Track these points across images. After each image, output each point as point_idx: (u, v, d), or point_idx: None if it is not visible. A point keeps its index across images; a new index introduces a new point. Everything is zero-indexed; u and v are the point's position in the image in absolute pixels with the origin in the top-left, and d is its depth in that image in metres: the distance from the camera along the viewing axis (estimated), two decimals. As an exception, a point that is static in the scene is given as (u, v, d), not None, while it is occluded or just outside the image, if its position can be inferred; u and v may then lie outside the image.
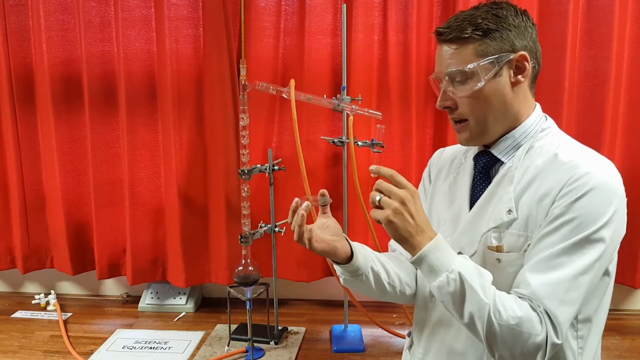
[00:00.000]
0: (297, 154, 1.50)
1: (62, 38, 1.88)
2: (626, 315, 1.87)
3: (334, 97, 1.61)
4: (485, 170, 1.03)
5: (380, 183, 0.91)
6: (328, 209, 1.06)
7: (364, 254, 1.05)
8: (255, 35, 1.80)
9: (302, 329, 1.80)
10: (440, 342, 1.05)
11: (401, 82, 1.77)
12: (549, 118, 1.03)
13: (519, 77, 0.96)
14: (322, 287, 1.98)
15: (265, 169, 1.64)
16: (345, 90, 1.63)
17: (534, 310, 0.86)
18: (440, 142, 1.80)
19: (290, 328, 1.80)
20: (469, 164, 1.07)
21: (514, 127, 0.99)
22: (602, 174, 0.88)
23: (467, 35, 0.93)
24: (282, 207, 1.80)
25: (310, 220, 0.99)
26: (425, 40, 1.75)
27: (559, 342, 0.86)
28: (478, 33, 0.93)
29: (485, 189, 1.01)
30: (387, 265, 1.10)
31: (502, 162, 1.00)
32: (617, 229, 0.88)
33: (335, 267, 1.06)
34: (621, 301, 1.90)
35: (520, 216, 0.93)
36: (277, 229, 1.69)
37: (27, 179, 2.00)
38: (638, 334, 1.74)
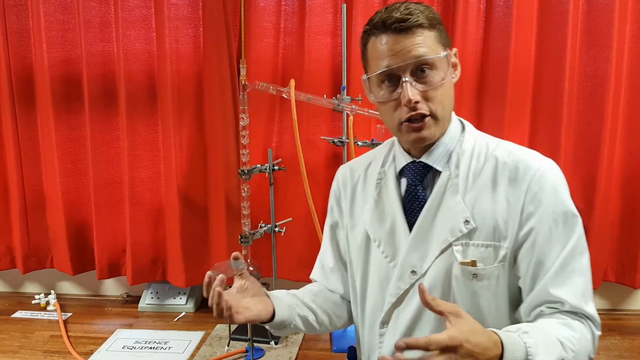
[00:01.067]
0: (297, 154, 1.50)
1: (62, 38, 1.88)
2: (626, 315, 1.87)
3: (334, 97, 1.61)
4: (419, 182, 0.98)
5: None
6: (244, 271, 1.01)
7: (287, 303, 1.03)
8: (255, 35, 1.80)
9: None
10: None
11: (401, 82, 1.77)
12: (463, 120, 1.02)
13: (456, 72, 0.95)
14: (322, 287, 1.98)
15: (265, 169, 1.64)
16: (345, 90, 1.63)
17: (577, 320, 0.90)
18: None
19: (290, 328, 1.80)
20: (391, 176, 1.02)
21: (444, 131, 0.96)
22: (548, 165, 0.92)
23: (430, 24, 0.89)
24: (282, 207, 1.81)
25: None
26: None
27: (599, 333, 0.92)
28: (435, 22, 0.91)
29: (423, 202, 0.97)
30: (313, 306, 1.08)
31: (437, 172, 0.96)
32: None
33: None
34: (621, 301, 1.90)
35: (482, 226, 0.91)
36: (277, 229, 1.69)
37: (27, 179, 2.00)
38: (638, 334, 1.74)
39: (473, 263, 0.91)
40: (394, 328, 1.00)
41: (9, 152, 1.98)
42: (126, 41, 1.82)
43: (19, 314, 1.95)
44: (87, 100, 1.88)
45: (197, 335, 1.76)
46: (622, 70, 1.70)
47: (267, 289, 1.65)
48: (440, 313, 0.78)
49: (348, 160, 1.68)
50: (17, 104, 1.95)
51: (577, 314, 0.90)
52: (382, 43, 0.90)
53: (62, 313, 1.94)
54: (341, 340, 1.70)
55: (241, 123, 1.58)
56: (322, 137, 1.75)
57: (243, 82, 1.57)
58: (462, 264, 0.92)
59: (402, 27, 0.88)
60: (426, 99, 0.90)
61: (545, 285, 0.90)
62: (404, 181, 1.01)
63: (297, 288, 1.97)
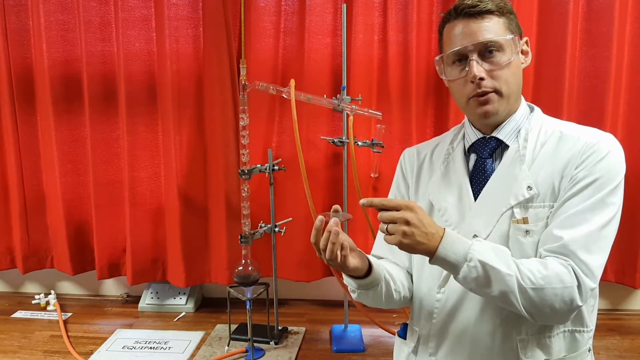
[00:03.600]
0: (297, 154, 1.50)
1: (62, 38, 1.88)
2: (626, 315, 1.87)
3: (334, 97, 1.61)
4: (489, 155, 1.05)
5: (381, 215, 0.91)
6: (339, 224, 1.05)
7: (377, 264, 1.06)
8: (255, 35, 1.80)
9: (302, 329, 1.80)
10: (456, 339, 1.05)
11: (401, 82, 1.77)
12: (533, 105, 1.09)
13: (526, 59, 1.05)
14: (322, 287, 1.98)
15: (265, 169, 1.64)
16: (345, 90, 1.63)
17: (561, 264, 0.90)
18: (440, 142, 1.80)
19: (290, 328, 1.80)
20: (459, 152, 1.10)
21: (514, 110, 1.04)
22: (612, 141, 0.98)
23: (499, 11, 0.99)
24: (282, 207, 1.81)
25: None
26: (425, 40, 1.75)
27: (593, 285, 0.91)
28: (505, 10, 1.00)
29: (490, 173, 1.04)
30: (392, 272, 1.11)
31: (506, 146, 1.04)
32: (623, 188, 0.97)
33: (349, 282, 1.05)
34: (621, 301, 1.90)
35: (542, 191, 0.97)
36: (277, 229, 1.69)
37: (27, 179, 2.00)
38: (638, 334, 1.74)
39: (525, 220, 0.97)
40: (451, 290, 1.04)
41: (9, 152, 1.98)
42: (126, 41, 1.82)
43: (19, 314, 1.95)
44: (87, 100, 1.88)
45: (197, 335, 1.76)
46: (622, 70, 1.70)
47: (267, 289, 1.67)
48: (396, 208, 0.90)
49: (348, 160, 1.68)
50: (17, 104, 1.95)
51: (568, 258, 0.91)
52: (455, 27, 1.01)
53: (62, 313, 1.94)
54: (341, 340, 1.71)
55: (241, 123, 1.58)
56: (322, 137, 1.75)
57: (243, 82, 1.57)
58: (516, 221, 0.98)
59: (471, 12, 0.99)
60: (492, 77, 0.99)
61: (552, 227, 0.94)
62: (472, 156, 1.09)
63: (297, 288, 1.99)
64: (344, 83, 1.65)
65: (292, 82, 1.54)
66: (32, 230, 2.04)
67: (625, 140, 1.74)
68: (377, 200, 0.92)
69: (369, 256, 1.07)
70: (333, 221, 0.94)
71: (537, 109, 1.08)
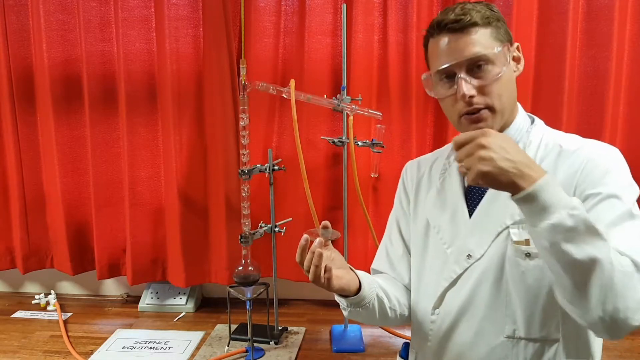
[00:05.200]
0: (297, 154, 1.50)
1: (62, 38, 1.88)
2: (626, 315, 1.87)
3: (334, 97, 1.62)
4: None
5: (457, 155, 0.83)
6: (330, 241, 1.01)
7: (369, 282, 1.04)
8: (255, 35, 1.80)
9: (302, 329, 1.80)
10: None
11: (401, 82, 1.77)
12: (534, 116, 1.04)
13: (518, 66, 0.99)
14: (322, 287, 1.98)
15: (265, 169, 1.64)
16: (345, 90, 1.63)
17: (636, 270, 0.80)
18: (440, 141, 1.80)
19: (290, 328, 1.80)
20: (455, 168, 1.06)
21: (510, 122, 0.99)
22: (607, 151, 0.93)
23: (484, 22, 0.93)
24: (282, 207, 1.81)
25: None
26: (425, 40, 1.75)
27: None
28: (491, 19, 0.95)
29: (485, 190, 1.00)
30: (387, 289, 1.08)
31: None
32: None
33: (340, 300, 1.03)
34: (621, 301, 1.90)
35: None
36: (277, 229, 1.69)
37: (27, 179, 2.00)
38: (638, 333, 1.74)
39: (527, 242, 0.92)
40: (445, 312, 1.02)
41: (9, 152, 1.98)
42: (126, 41, 1.82)
43: (19, 314, 1.95)
44: (87, 100, 1.88)
45: (197, 335, 1.76)
46: (622, 70, 1.70)
47: (267, 289, 1.67)
48: (467, 140, 0.81)
49: (348, 160, 1.68)
50: (17, 104, 1.95)
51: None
52: (439, 43, 0.96)
53: (62, 313, 1.94)
54: (341, 340, 1.70)
55: (241, 123, 1.58)
56: (322, 137, 1.75)
57: (243, 82, 1.57)
58: (516, 242, 0.93)
59: (455, 27, 0.93)
60: (483, 93, 0.94)
61: None
62: None
63: (297, 288, 1.99)
64: (344, 83, 1.65)
65: (292, 82, 1.54)
66: (32, 230, 2.04)
67: (625, 140, 1.74)
68: (455, 140, 0.82)
69: (360, 273, 1.03)
70: (317, 242, 0.91)
71: (538, 121, 1.03)
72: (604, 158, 0.91)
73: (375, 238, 1.69)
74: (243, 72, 1.58)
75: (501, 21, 0.97)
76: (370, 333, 1.76)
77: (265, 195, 1.70)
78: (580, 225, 0.76)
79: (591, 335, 0.95)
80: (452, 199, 1.04)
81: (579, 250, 0.76)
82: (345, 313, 1.05)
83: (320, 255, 0.91)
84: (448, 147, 1.14)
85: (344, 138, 1.67)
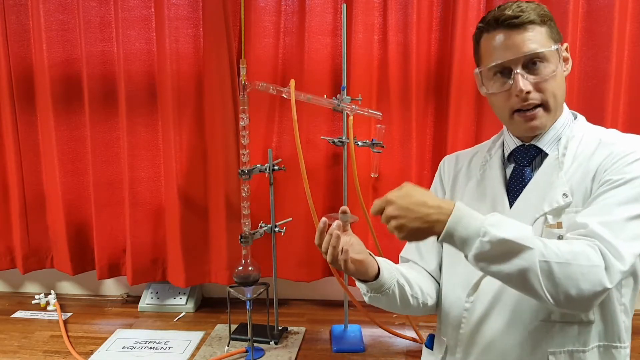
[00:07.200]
0: (297, 154, 1.50)
1: (62, 38, 1.88)
2: (626, 315, 1.87)
3: (334, 97, 1.61)
4: (527, 164, 1.03)
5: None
6: (349, 226, 1.03)
7: (388, 268, 1.04)
8: (255, 35, 1.80)
9: (302, 329, 1.80)
10: (484, 349, 1.02)
11: (401, 82, 1.77)
12: (577, 113, 1.07)
13: (567, 66, 1.02)
14: (322, 287, 1.98)
15: (265, 169, 1.64)
16: (345, 90, 1.63)
17: (587, 245, 0.85)
18: (440, 142, 1.80)
19: (290, 328, 1.80)
20: (497, 160, 1.08)
21: (556, 119, 1.02)
22: None
23: (541, 20, 0.96)
24: (282, 207, 1.80)
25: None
26: (425, 40, 1.75)
27: (623, 268, 0.84)
28: (547, 18, 0.97)
29: (528, 181, 1.01)
30: (409, 277, 1.09)
31: (545, 154, 1.01)
32: None
33: (360, 285, 1.04)
34: (621, 301, 1.90)
35: (576, 197, 0.95)
36: (277, 229, 1.69)
37: (27, 179, 2.00)
38: (638, 333, 1.74)
39: (559, 225, 0.94)
40: (479, 300, 1.03)
41: (9, 152, 1.98)
42: (126, 41, 1.82)
43: (19, 314, 1.95)
44: (87, 100, 1.88)
45: (197, 335, 1.76)
46: (622, 70, 1.70)
47: (267, 289, 1.67)
48: (379, 211, 0.89)
49: (348, 160, 1.68)
50: (17, 104, 1.95)
51: (595, 239, 0.85)
52: (495, 39, 0.97)
53: (62, 313, 1.94)
54: (341, 340, 1.70)
55: (241, 123, 1.58)
56: (322, 137, 1.75)
57: (243, 82, 1.57)
58: (549, 226, 0.95)
59: (514, 23, 0.95)
60: (538, 90, 0.96)
61: (577, 216, 0.91)
62: (510, 165, 1.06)
63: (297, 288, 1.99)
64: (344, 83, 1.65)
65: (292, 82, 1.54)
66: (32, 230, 2.04)
67: (625, 140, 1.74)
68: (371, 212, 0.92)
69: (380, 259, 1.05)
70: (335, 224, 0.94)
71: (580, 117, 1.06)
72: (636, 152, 0.92)
73: (375, 238, 1.69)
74: (243, 72, 1.58)
75: (553, 21, 0.99)
76: (370, 333, 1.76)
77: (265, 195, 1.70)
78: (496, 246, 0.82)
79: (621, 321, 0.97)
80: (493, 190, 1.06)
81: (507, 266, 0.83)
82: (365, 298, 1.06)
83: (338, 237, 0.93)
84: (489, 141, 1.16)
85: (344, 138, 1.67)
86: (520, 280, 0.84)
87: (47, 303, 2.01)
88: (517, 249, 0.82)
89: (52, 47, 1.87)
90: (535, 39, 0.95)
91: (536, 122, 0.98)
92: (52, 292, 2.05)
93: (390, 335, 1.75)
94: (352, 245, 0.99)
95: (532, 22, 0.95)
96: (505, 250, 0.83)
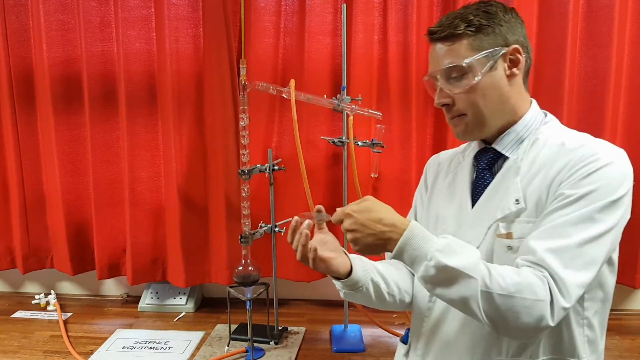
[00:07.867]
0: (297, 154, 1.50)
1: (62, 38, 1.88)
2: (626, 315, 1.87)
3: (334, 97, 1.61)
4: (489, 166, 1.03)
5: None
6: (324, 224, 1.06)
7: (362, 266, 1.05)
8: (255, 35, 1.80)
9: (302, 329, 1.80)
10: (440, 350, 1.04)
11: (401, 82, 1.77)
12: (549, 114, 1.04)
13: (514, 70, 0.97)
14: (322, 287, 1.98)
15: (265, 169, 1.64)
16: (345, 90, 1.63)
17: (535, 275, 0.83)
18: (440, 141, 1.80)
19: (290, 328, 1.80)
20: (468, 161, 1.08)
21: (514, 122, 1.00)
22: (613, 154, 0.89)
23: (460, 32, 0.95)
24: (282, 207, 1.80)
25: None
26: (425, 40, 1.74)
27: (567, 305, 0.83)
28: (471, 29, 0.95)
29: (488, 184, 1.01)
30: (385, 274, 1.10)
31: (506, 157, 1.00)
32: (625, 211, 0.89)
33: (335, 282, 1.05)
34: (621, 301, 1.90)
35: (530, 205, 0.92)
36: (277, 229, 1.69)
37: (27, 179, 2.00)
38: (638, 334, 1.74)
39: (508, 235, 0.94)
40: (439, 301, 1.03)
41: (9, 152, 1.98)
42: (126, 41, 1.82)
43: (19, 314, 1.95)
44: (87, 100, 1.88)
45: (197, 335, 1.76)
46: (622, 70, 1.70)
47: (267, 289, 1.67)
48: (338, 222, 0.92)
49: (348, 160, 1.68)
50: (17, 104, 1.95)
51: (544, 270, 0.83)
52: (430, 49, 1.02)
53: (62, 313, 1.94)
54: (341, 340, 1.71)
55: (241, 123, 1.58)
56: (322, 137, 1.75)
57: (243, 82, 1.57)
58: (498, 235, 0.95)
59: (433, 37, 0.98)
60: (460, 100, 0.97)
61: (529, 237, 0.89)
62: (479, 165, 1.06)
63: (297, 288, 1.99)
64: (344, 83, 1.65)
65: (292, 82, 1.54)
66: (32, 230, 2.04)
67: (625, 141, 1.74)
68: (332, 220, 0.94)
69: (354, 257, 1.06)
70: (306, 224, 0.97)
71: (551, 119, 1.03)
72: (600, 156, 0.88)
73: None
74: (243, 72, 1.58)
75: (493, 26, 0.95)
76: (370, 333, 1.76)
77: (265, 195, 1.70)
78: (440, 272, 0.85)
79: (580, 335, 0.95)
80: (460, 192, 1.06)
81: (449, 292, 0.86)
82: (341, 294, 1.08)
83: (307, 236, 0.96)
84: (468, 143, 1.15)
85: (344, 138, 1.67)
86: (462, 307, 0.87)
87: (47, 303, 2.01)
88: (459, 277, 0.84)
89: (52, 47, 1.87)
90: (453, 52, 0.95)
91: (458, 129, 1.00)
92: (52, 292, 2.05)
93: (390, 335, 1.75)
94: (326, 244, 1.02)
95: (450, 36, 0.95)
96: (449, 277, 0.85)
